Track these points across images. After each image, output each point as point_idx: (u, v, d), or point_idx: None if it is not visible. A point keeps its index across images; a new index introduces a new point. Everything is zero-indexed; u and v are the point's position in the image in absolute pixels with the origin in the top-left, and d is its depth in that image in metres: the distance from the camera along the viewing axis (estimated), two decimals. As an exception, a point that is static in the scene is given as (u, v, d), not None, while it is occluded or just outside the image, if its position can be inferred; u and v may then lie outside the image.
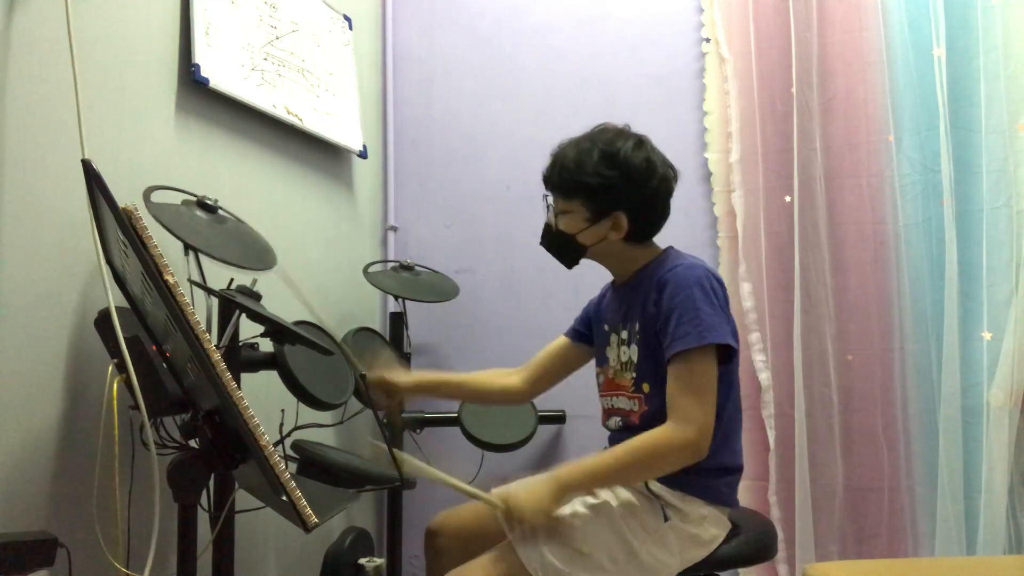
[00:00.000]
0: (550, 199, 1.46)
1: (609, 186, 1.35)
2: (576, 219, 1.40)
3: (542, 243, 1.50)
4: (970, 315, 1.89)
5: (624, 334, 1.42)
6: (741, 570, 2.07)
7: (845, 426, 2.01)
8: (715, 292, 1.31)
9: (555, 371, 1.61)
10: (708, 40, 2.26)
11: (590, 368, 1.62)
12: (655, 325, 1.32)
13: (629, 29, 2.39)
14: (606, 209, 1.36)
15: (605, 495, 1.33)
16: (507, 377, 1.62)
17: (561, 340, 1.61)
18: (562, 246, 1.45)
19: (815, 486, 1.98)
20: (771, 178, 2.12)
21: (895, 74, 2.01)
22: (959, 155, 1.92)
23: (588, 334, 1.56)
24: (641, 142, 1.38)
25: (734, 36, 2.18)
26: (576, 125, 2.37)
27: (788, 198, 2.09)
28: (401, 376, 1.54)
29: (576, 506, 1.32)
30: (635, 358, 1.38)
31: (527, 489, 1.26)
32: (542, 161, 2.41)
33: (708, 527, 1.32)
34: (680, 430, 1.24)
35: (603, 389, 1.48)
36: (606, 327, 1.49)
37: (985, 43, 1.90)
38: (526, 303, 2.44)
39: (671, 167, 1.41)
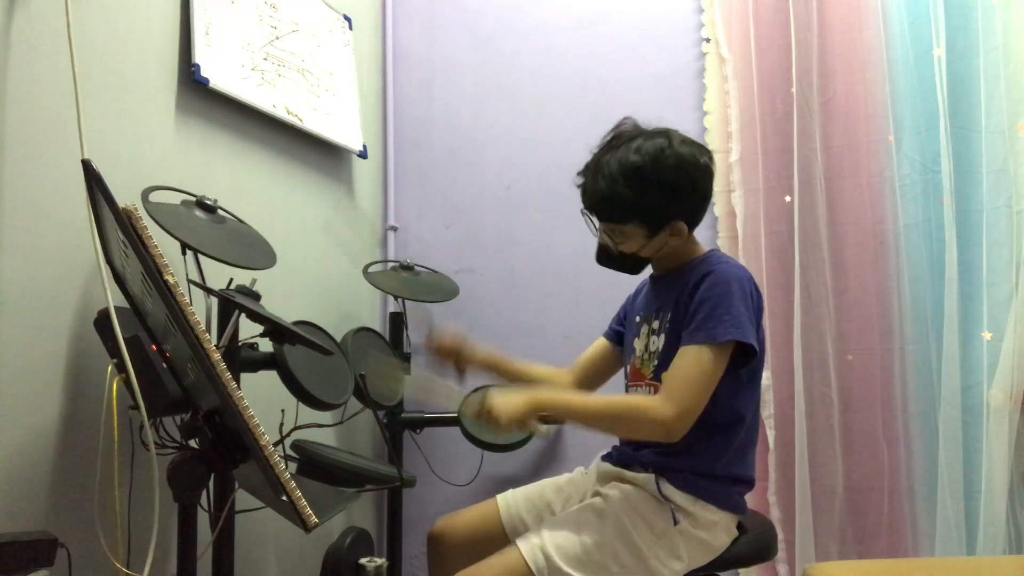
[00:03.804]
0: (595, 221, 1.41)
1: (657, 203, 1.32)
2: (636, 239, 1.37)
3: (600, 262, 1.48)
4: (970, 315, 1.89)
5: (655, 324, 1.42)
6: (741, 570, 2.07)
7: (845, 426, 2.01)
8: (752, 296, 1.31)
9: (597, 372, 1.61)
10: (708, 40, 2.26)
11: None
12: (685, 314, 1.31)
13: (629, 29, 2.39)
14: (662, 223, 1.34)
15: (613, 493, 1.33)
16: (561, 380, 1.62)
17: (600, 341, 1.62)
18: (625, 263, 1.44)
19: (815, 486, 1.98)
20: (771, 178, 2.12)
21: (895, 74, 2.01)
22: (959, 155, 1.92)
23: (624, 333, 1.56)
24: (669, 142, 1.32)
25: (734, 36, 2.18)
26: (576, 125, 2.40)
27: (788, 198, 2.09)
28: (473, 346, 1.57)
29: (583, 509, 1.32)
30: (660, 347, 1.38)
31: (504, 397, 1.29)
32: (542, 161, 2.44)
33: (719, 533, 1.32)
34: (663, 407, 1.23)
35: (628, 379, 1.48)
36: (638, 318, 1.49)
37: (985, 43, 1.90)
38: (526, 303, 2.44)
39: (703, 152, 1.36)
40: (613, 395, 1.33)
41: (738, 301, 1.27)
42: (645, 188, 1.30)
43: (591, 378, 1.62)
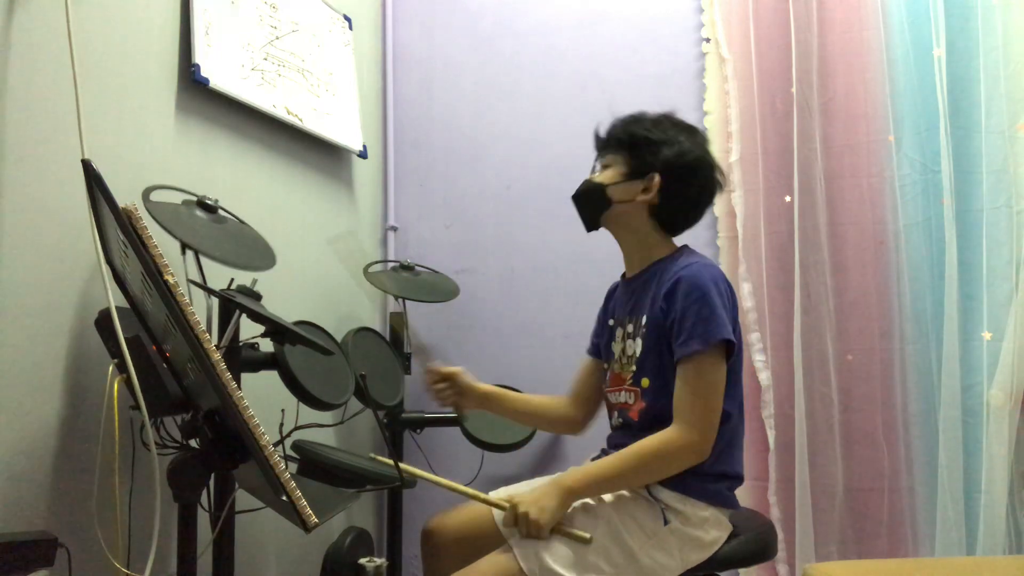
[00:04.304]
0: (597, 161, 1.48)
1: (655, 142, 1.38)
2: (614, 172, 1.42)
3: (573, 196, 1.49)
4: (970, 315, 1.89)
5: (630, 327, 1.41)
6: (741, 570, 2.07)
7: (845, 426, 2.01)
8: (726, 294, 1.32)
9: (593, 390, 1.57)
10: (708, 40, 2.26)
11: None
12: (665, 320, 1.32)
13: (629, 29, 2.39)
14: (644, 167, 1.38)
15: (604, 495, 1.33)
16: (563, 407, 1.59)
17: (585, 360, 1.60)
18: (590, 196, 1.45)
19: (815, 486, 1.98)
20: (771, 178, 2.12)
21: (895, 74, 2.01)
22: (959, 155, 1.92)
23: None
24: (705, 139, 1.44)
25: (734, 36, 2.18)
26: (576, 125, 2.40)
27: (788, 198, 2.09)
28: (473, 381, 1.53)
29: (575, 510, 1.32)
30: (638, 352, 1.38)
31: (533, 493, 1.28)
32: (542, 161, 2.44)
33: (709, 529, 1.32)
34: (684, 432, 1.24)
35: (608, 385, 1.48)
36: (611, 322, 1.49)
37: (985, 43, 1.90)
38: (526, 303, 2.44)
39: (721, 173, 1.44)
40: (632, 448, 1.30)
41: (717, 300, 1.28)
42: (652, 127, 1.40)
43: (588, 397, 1.58)
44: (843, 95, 2.06)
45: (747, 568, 2.03)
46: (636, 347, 1.39)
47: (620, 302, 1.49)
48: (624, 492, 1.33)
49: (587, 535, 1.25)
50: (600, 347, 1.55)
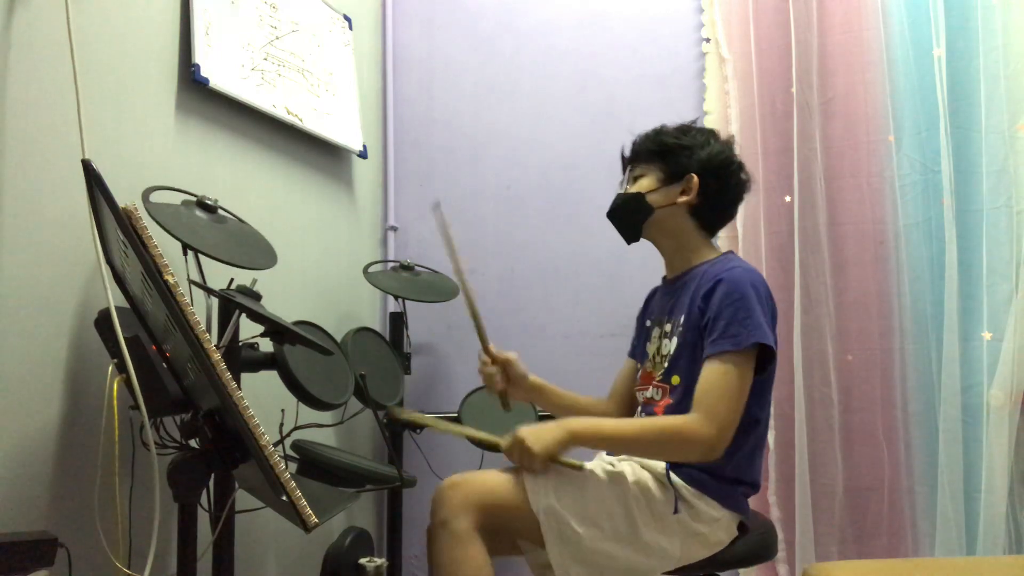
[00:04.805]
0: (626, 176, 1.50)
1: (687, 146, 1.42)
2: (650, 180, 1.44)
3: (609, 214, 1.50)
4: (970, 315, 1.89)
5: (668, 327, 1.42)
6: (741, 570, 2.07)
7: (845, 426, 2.01)
8: (766, 301, 1.32)
9: (631, 393, 1.57)
10: (708, 40, 2.26)
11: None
12: (701, 320, 1.32)
13: (629, 29, 2.39)
14: (680, 171, 1.41)
15: (624, 468, 1.34)
16: (604, 408, 1.60)
17: (627, 362, 1.61)
18: (629, 207, 1.46)
19: (815, 486, 1.98)
20: (771, 178, 2.12)
21: (895, 74, 2.01)
22: (959, 155, 1.92)
23: None
24: (731, 141, 1.48)
25: (734, 36, 2.18)
26: (576, 125, 2.40)
27: (788, 198, 2.09)
28: (525, 370, 1.56)
29: (594, 468, 1.33)
30: (672, 350, 1.38)
31: (536, 426, 1.29)
32: (542, 161, 2.44)
33: (717, 530, 1.33)
34: (704, 425, 1.24)
35: (638, 383, 1.49)
36: (648, 322, 1.51)
37: (985, 43, 1.90)
38: (526, 303, 2.44)
39: (746, 172, 1.46)
40: (647, 419, 1.34)
41: (756, 305, 1.28)
42: (679, 134, 1.44)
43: (628, 399, 1.58)
44: (843, 95, 2.06)
45: (747, 568, 2.03)
46: (671, 346, 1.39)
47: (658, 303, 1.51)
48: (642, 469, 1.34)
49: (581, 463, 1.29)
50: (637, 349, 1.56)
